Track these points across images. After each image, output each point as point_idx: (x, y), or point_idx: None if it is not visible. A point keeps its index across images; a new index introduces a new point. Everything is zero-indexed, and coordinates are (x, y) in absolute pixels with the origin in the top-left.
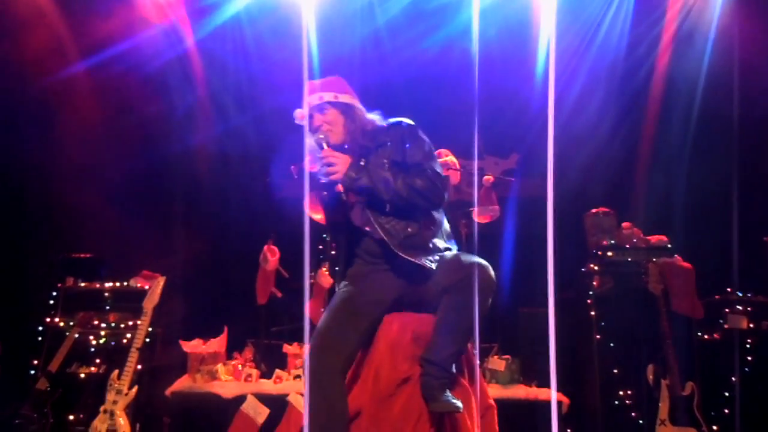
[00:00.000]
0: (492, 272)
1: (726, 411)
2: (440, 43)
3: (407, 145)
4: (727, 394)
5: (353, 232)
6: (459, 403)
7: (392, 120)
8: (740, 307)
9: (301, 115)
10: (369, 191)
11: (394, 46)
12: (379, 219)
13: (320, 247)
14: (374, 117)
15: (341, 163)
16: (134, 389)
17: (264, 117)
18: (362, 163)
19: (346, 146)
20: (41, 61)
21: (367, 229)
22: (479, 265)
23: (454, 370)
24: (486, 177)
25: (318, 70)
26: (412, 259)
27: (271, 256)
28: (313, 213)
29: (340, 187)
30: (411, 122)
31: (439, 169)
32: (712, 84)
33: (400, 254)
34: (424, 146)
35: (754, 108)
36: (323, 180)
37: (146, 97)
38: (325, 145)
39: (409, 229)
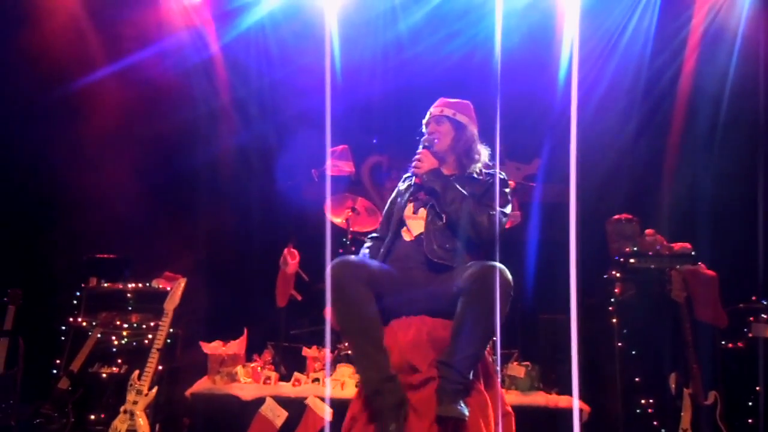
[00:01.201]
0: (509, 275)
1: (750, 421)
2: (462, 48)
3: (491, 190)
4: (750, 403)
5: (398, 236)
6: (466, 411)
7: (495, 171)
8: (765, 316)
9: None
10: (436, 196)
11: (416, 52)
12: (431, 224)
13: (340, 250)
14: (483, 150)
15: (428, 163)
16: (154, 390)
17: (286, 121)
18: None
19: (443, 157)
20: (68, 64)
21: (415, 231)
22: (496, 268)
23: (471, 376)
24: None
25: (340, 75)
26: (438, 260)
27: (291, 259)
28: (333, 216)
29: (417, 180)
30: (508, 180)
31: (503, 220)
32: (738, 89)
33: (429, 255)
34: (506, 200)
35: None
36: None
37: (171, 101)
38: (426, 145)
39: (448, 245)
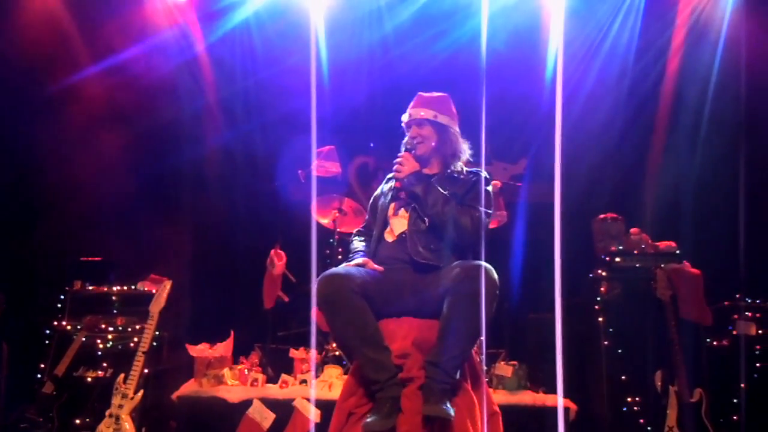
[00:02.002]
0: (495, 275)
1: (734, 418)
2: (448, 48)
3: (473, 190)
4: (735, 400)
5: (381, 237)
6: (452, 411)
7: (477, 169)
8: (749, 314)
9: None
10: (418, 199)
11: (402, 52)
12: (413, 226)
13: (327, 251)
14: (465, 147)
15: (409, 166)
16: (140, 393)
17: (272, 122)
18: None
19: (427, 159)
20: (52, 65)
21: (398, 231)
22: (482, 267)
23: (458, 376)
24: (493, 182)
25: (326, 75)
26: (422, 261)
27: (278, 260)
28: (320, 217)
29: (397, 184)
30: (489, 178)
31: (486, 221)
32: (721, 89)
33: (413, 257)
34: (488, 199)
35: (763, 113)
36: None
37: (156, 102)
38: (407, 148)
39: (432, 246)
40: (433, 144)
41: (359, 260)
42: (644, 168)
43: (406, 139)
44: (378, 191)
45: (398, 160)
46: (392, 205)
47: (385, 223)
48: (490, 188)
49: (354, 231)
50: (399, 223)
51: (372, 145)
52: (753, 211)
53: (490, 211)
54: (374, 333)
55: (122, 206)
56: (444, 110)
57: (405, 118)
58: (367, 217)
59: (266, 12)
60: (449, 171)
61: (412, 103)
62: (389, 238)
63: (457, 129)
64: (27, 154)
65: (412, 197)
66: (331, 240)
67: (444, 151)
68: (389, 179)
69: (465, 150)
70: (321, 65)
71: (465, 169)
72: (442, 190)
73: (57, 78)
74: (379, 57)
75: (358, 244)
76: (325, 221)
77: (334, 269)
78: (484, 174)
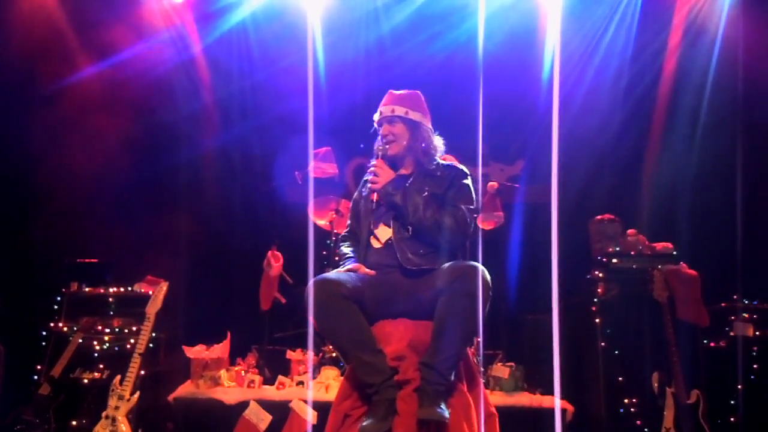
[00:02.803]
0: (488, 275)
1: (732, 419)
2: (445, 49)
3: (452, 187)
4: (732, 402)
5: (368, 243)
6: (446, 414)
7: (452, 163)
8: (746, 315)
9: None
10: (398, 209)
11: (399, 53)
12: (398, 234)
13: (324, 252)
14: (439, 143)
15: (384, 176)
16: (136, 395)
17: (269, 124)
18: (407, 184)
19: (401, 158)
20: (49, 66)
21: (383, 238)
22: (473, 267)
23: (453, 377)
24: (490, 183)
25: (323, 76)
26: (413, 267)
27: (275, 261)
28: (317, 219)
29: (374, 196)
30: (467, 171)
31: (470, 218)
32: (718, 90)
33: (403, 264)
34: (468, 194)
35: (760, 114)
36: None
37: (153, 103)
38: (379, 155)
39: (421, 251)
40: (405, 142)
41: (351, 266)
42: (641, 169)
43: (377, 144)
44: (356, 194)
45: (372, 169)
46: (372, 219)
47: (370, 231)
48: (468, 181)
49: (339, 237)
50: (384, 232)
51: (362, 146)
52: (750, 213)
53: (472, 207)
54: (367, 337)
55: (119, 207)
56: (416, 107)
57: (376, 116)
58: (349, 222)
59: (263, 13)
60: (425, 168)
61: (383, 101)
62: (376, 244)
63: (430, 126)
64: (23, 154)
65: (391, 207)
66: (328, 241)
67: (417, 148)
68: (365, 182)
69: (439, 146)
70: (318, 66)
71: (442, 163)
72: (420, 194)
73: (53, 78)
74: (375, 58)
75: (346, 249)
76: (322, 222)
77: (324, 275)
78: (461, 167)
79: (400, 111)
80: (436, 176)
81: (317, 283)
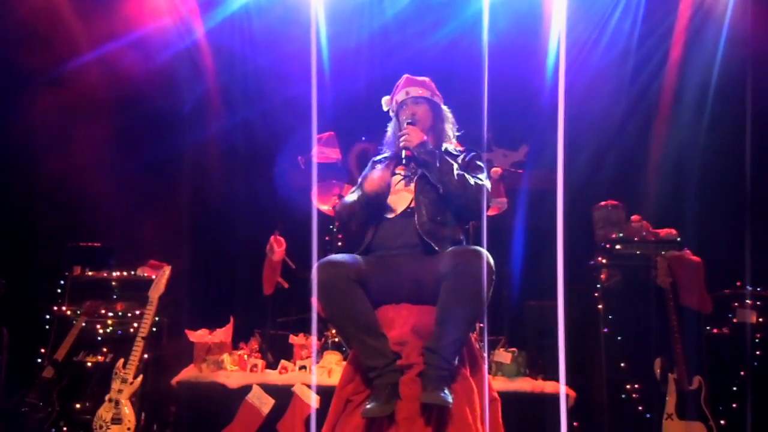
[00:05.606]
0: (491, 260)
1: (734, 405)
2: (449, 35)
3: (471, 162)
4: (735, 388)
5: (381, 218)
6: (449, 399)
7: (466, 147)
8: (749, 302)
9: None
10: (429, 165)
11: (403, 39)
12: (422, 196)
13: (327, 238)
14: (453, 129)
15: (417, 137)
16: (139, 378)
17: (272, 109)
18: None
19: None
20: (49, 50)
21: (400, 207)
22: (477, 252)
23: (456, 362)
24: (494, 169)
25: (327, 61)
26: (426, 237)
27: (278, 246)
28: (320, 204)
29: (408, 152)
30: (479, 152)
31: (488, 190)
32: (725, 76)
33: (421, 234)
34: (485, 172)
35: (767, 100)
36: (399, 144)
37: (156, 89)
38: (407, 122)
39: (439, 218)
40: (429, 123)
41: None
42: (645, 155)
43: (406, 114)
44: (368, 169)
45: (404, 131)
46: (393, 180)
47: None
48: (480, 163)
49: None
50: (400, 199)
51: (363, 138)
52: (754, 199)
53: (488, 184)
54: (371, 320)
55: (122, 192)
56: (436, 91)
57: (401, 96)
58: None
59: None
60: (445, 149)
61: (404, 83)
62: (390, 215)
63: (450, 114)
64: (26, 139)
65: (423, 165)
66: (331, 226)
67: (440, 128)
68: (381, 159)
69: (454, 131)
70: (321, 51)
71: (456, 147)
72: (450, 159)
73: (54, 63)
74: (379, 43)
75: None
76: (325, 208)
77: (330, 257)
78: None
79: (426, 93)
80: (456, 155)
81: (322, 265)
